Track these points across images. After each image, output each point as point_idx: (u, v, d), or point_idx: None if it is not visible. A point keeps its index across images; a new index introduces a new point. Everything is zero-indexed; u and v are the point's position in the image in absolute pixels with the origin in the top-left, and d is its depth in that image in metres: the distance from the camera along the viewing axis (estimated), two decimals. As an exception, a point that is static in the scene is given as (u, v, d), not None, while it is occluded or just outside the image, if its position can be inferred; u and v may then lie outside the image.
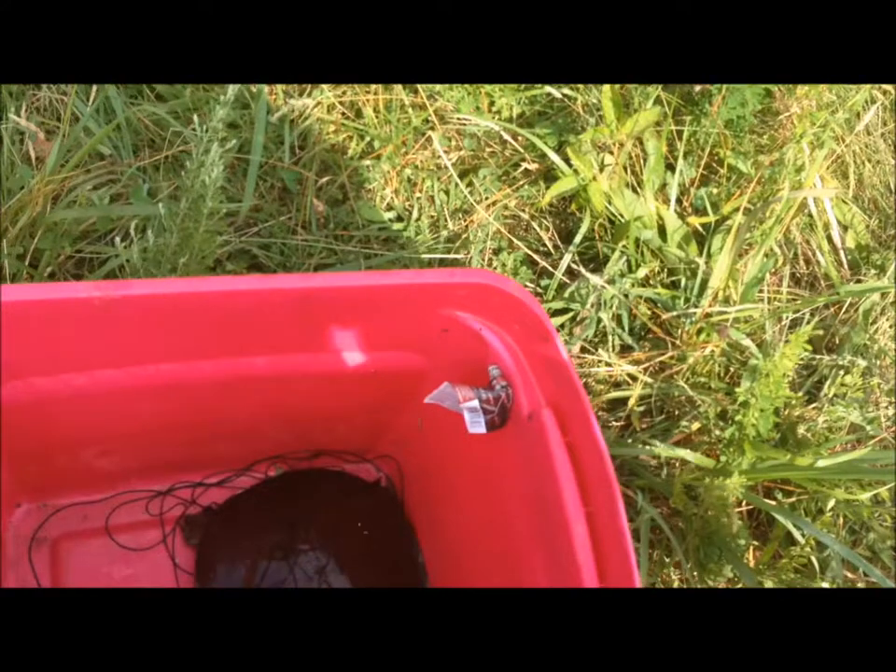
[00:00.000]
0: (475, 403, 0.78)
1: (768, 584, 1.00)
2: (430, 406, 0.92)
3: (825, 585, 0.92)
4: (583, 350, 1.11)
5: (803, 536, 0.97)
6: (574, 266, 1.11)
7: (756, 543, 1.09)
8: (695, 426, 1.08)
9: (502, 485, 0.84)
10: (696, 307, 1.07)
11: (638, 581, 0.69)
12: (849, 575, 1.00)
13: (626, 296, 1.08)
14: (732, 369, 1.14)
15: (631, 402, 1.08)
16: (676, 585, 1.03)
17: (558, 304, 1.09)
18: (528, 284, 1.12)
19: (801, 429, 1.07)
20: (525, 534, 0.80)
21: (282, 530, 0.97)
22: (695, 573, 0.98)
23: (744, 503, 1.09)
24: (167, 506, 0.98)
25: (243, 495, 0.99)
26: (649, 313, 1.11)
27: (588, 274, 1.04)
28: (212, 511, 0.97)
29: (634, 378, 1.08)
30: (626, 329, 1.09)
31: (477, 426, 0.79)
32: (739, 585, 1.07)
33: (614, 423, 1.09)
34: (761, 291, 1.13)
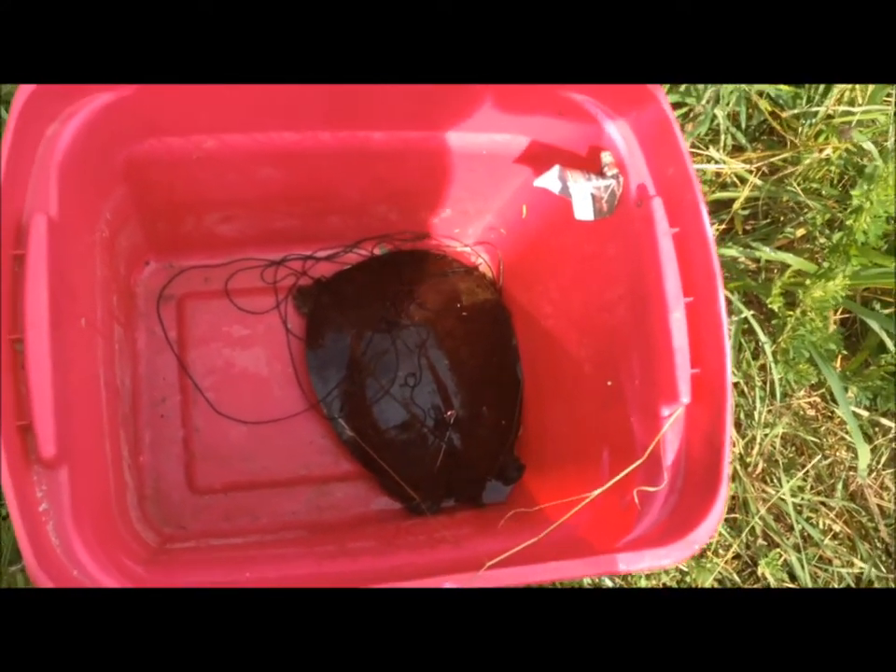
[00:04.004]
0: (585, 188, 0.79)
1: (853, 390, 1.02)
2: (536, 194, 0.93)
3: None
4: (693, 149, 1.09)
5: (894, 342, 0.98)
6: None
7: (846, 353, 1.11)
8: (800, 232, 1.07)
9: (602, 278, 0.86)
10: (819, 107, 1.02)
11: (729, 370, 0.72)
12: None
13: (753, 94, 1.04)
14: (847, 176, 1.10)
15: (736, 205, 1.07)
16: (759, 385, 1.06)
17: (673, 97, 1.05)
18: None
19: (912, 243, 1.04)
20: (621, 327, 0.83)
21: (386, 304, 1.03)
22: (780, 375, 1.01)
23: (838, 312, 1.09)
24: (280, 275, 1.04)
25: (350, 270, 1.04)
26: (769, 109, 1.07)
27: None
28: (321, 282, 1.03)
29: (743, 180, 1.06)
30: (742, 127, 1.06)
31: (585, 211, 0.80)
32: (822, 391, 1.09)
33: (717, 225, 1.09)
34: (888, 96, 1.06)
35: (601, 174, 0.80)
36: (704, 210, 0.74)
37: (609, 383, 0.84)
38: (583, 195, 0.80)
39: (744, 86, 1.04)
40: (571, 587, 0.99)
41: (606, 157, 0.79)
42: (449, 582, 0.63)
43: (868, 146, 0.97)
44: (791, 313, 0.92)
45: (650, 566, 0.67)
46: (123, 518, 0.83)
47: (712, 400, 0.73)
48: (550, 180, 0.80)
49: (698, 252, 0.74)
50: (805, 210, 1.08)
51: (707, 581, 0.98)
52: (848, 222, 0.89)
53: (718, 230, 1.10)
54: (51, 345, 0.62)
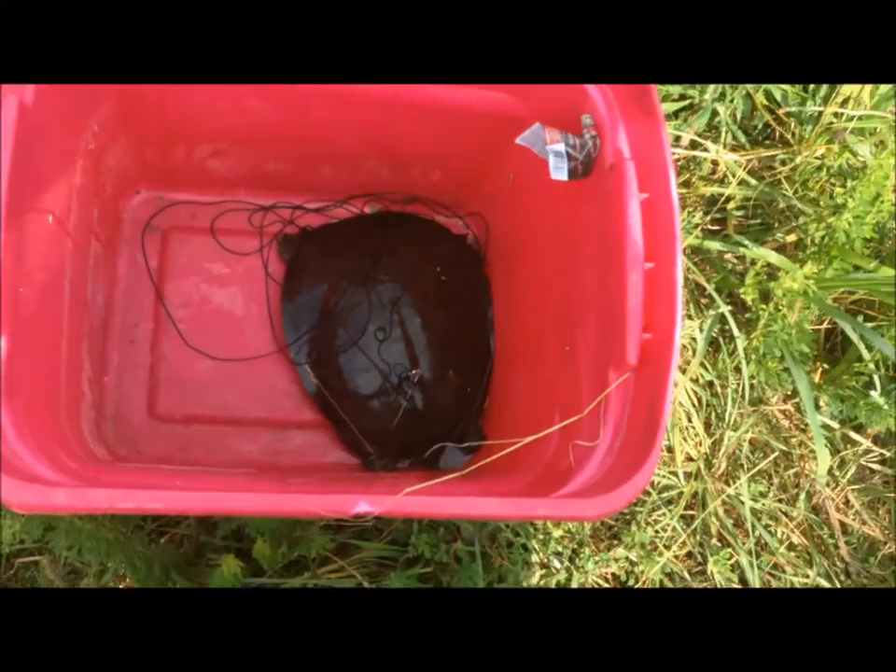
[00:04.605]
0: (561, 147, 0.79)
1: (824, 399, 1.01)
2: (521, 162, 0.93)
3: (876, 396, 0.92)
4: (693, 144, 1.08)
5: (870, 353, 0.96)
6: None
7: (826, 367, 1.09)
8: (791, 238, 1.06)
9: (574, 242, 0.86)
10: (822, 107, 1.01)
11: (679, 333, 0.72)
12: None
13: (751, 91, 1.04)
14: (849, 184, 1.09)
15: (731, 204, 1.07)
16: (732, 387, 1.05)
17: (676, 89, 1.05)
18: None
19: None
20: (584, 290, 0.83)
21: (366, 259, 1.03)
22: (751, 374, 1.00)
23: (824, 324, 1.08)
24: (268, 221, 1.05)
25: (337, 224, 1.05)
26: (764, 103, 1.07)
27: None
28: (307, 232, 1.04)
29: (736, 176, 1.05)
30: (739, 123, 1.06)
31: (559, 171, 0.80)
32: (797, 400, 1.08)
33: (708, 222, 1.08)
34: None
35: (580, 135, 0.80)
36: (672, 175, 0.73)
37: (567, 348, 0.84)
38: (560, 155, 0.80)
39: (749, 85, 1.04)
40: (525, 588, 0.99)
41: (586, 119, 0.79)
42: (363, 502, 0.63)
43: (863, 150, 0.96)
44: (764, 307, 0.91)
45: (569, 514, 0.67)
46: (72, 424, 0.84)
47: (659, 367, 0.72)
48: (529, 138, 0.81)
49: (663, 217, 0.74)
50: (801, 217, 1.07)
51: (654, 570, 0.96)
52: (830, 220, 0.88)
53: (708, 226, 1.09)
54: (6, 221, 0.64)
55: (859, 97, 1.02)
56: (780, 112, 1.06)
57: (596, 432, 0.74)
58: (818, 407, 1.01)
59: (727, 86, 1.04)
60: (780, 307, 0.87)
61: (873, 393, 0.93)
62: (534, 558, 1.00)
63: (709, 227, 1.10)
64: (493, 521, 0.97)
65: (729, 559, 0.98)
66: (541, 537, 1.00)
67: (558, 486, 0.73)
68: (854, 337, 0.97)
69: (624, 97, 0.78)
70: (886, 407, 0.89)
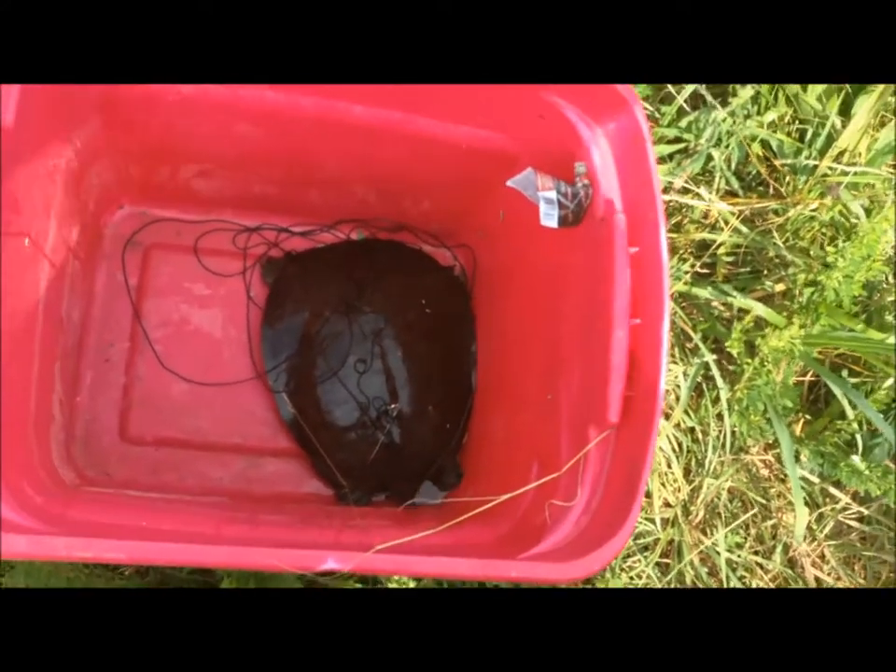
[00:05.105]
0: (552, 194, 0.78)
1: (805, 454, 1.00)
2: (513, 200, 0.92)
3: (857, 460, 0.91)
4: (686, 190, 1.07)
5: (854, 411, 0.96)
6: (701, 93, 1.05)
7: (808, 418, 1.08)
8: (779, 287, 1.05)
9: (562, 289, 0.84)
10: (817, 161, 1.01)
11: (662, 392, 0.70)
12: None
13: (746, 141, 1.03)
14: (840, 244, 1.09)
15: (721, 250, 1.06)
16: (714, 435, 1.04)
17: (672, 132, 1.04)
18: (646, 105, 1.07)
19: (889, 316, 1.02)
20: (569, 340, 0.82)
21: (350, 287, 1.02)
22: (734, 425, 0.99)
23: (808, 375, 1.07)
24: (252, 243, 1.03)
25: (323, 249, 1.04)
26: (762, 156, 1.06)
27: (713, 101, 0.98)
28: (291, 256, 1.02)
29: (729, 223, 1.05)
30: (734, 169, 1.05)
31: (549, 218, 0.79)
32: (778, 451, 1.07)
33: (698, 266, 1.07)
34: (893, 166, 1.05)
35: (572, 183, 0.79)
36: (663, 230, 0.73)
37: (549, 396, 0.83)
38: (551, 202, 0.79)
39: (744, 132, 1.03)
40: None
41: (579, 167, 0.78)
42: (331, 559, 0.62)
43: (855, 207, 0.96)
44: (749, 361, 0.90)
45: (543, 577, 0.65)
46: (41, 449, 0.82)
47: (641, 426, 0.71)
48: (521, 182, 0.80)
49: (652, 273, 0.72)
50: (790, 267, 1.06)
51: (624, 621, 0.95)
52: (820, 278, 0.87)
53: (699, 272, 1.08)
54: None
55: (854, 150, 1.01)
56: (776, 163, 1.05)
57: (574, 490, 0.73)
58: (798, 460, 1.00)
59: (723, 132, 1.03)
60: (766, 363, 0.86)
61: (854, 458, 0.92)
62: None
63: (699, 270, 1.09)
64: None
65: (701, 611, 0.97)
66: (514, 578, 0.99)
67: (532, 543, 0.72)
68: (838, 393, 0.96)
69: (618, 144, 0.77)
70: (867, 472, 0.89)
